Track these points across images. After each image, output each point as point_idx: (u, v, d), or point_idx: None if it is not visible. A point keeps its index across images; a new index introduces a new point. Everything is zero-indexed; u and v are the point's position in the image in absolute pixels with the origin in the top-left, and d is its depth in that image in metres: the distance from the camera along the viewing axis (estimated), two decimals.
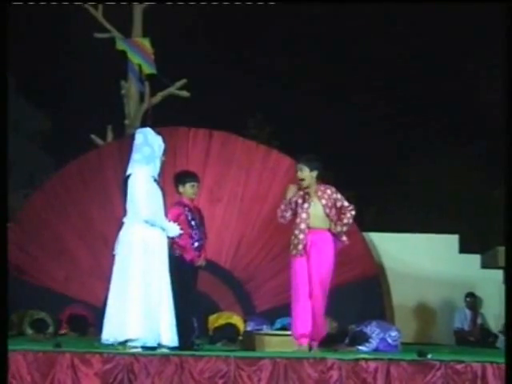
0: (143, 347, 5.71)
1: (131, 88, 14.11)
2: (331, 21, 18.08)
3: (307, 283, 6.60)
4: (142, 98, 14.20)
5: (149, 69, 12.01)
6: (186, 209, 6.75)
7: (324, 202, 6.58)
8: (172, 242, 6.43)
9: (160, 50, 12.39)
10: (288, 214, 6.66)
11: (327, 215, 6.57)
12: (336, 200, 6.62)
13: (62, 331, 9.00)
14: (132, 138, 6.18)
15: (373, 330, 7.28)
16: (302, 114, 19.28)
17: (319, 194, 6.62)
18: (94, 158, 10.31)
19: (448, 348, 8.20)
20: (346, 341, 7.30)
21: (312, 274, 6.58)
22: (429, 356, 5.75)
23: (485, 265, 10.60)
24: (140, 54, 12.06)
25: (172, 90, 14.18)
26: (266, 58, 19.10)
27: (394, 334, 7.56)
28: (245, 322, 8.68)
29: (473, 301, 10.23)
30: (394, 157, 18.37)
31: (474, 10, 15.86)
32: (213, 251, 9.11)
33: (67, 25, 16.79)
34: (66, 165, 10.43)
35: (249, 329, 8.33)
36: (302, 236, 6.57)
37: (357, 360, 5.54)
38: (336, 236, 6.64)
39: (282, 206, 6.68)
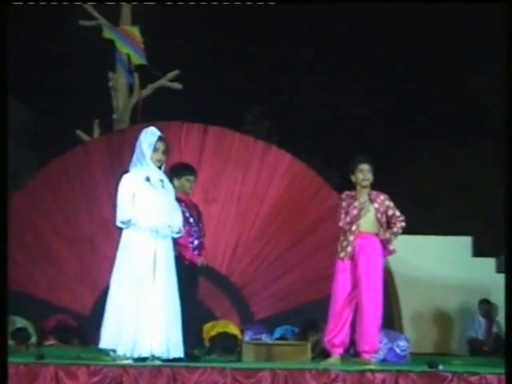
0: (134, 359, 5.71)
1: (119, 80, 14.08)
2: (333, 17, 18.23)
3: (350, 289, 6.75)
4: (131, 91, 14.17)
5: (138, 59, 12.00)
6: (183, 204, 6.72)
7: (376, 205, 6.79)
8: None
9: (150, 38, 12.37)
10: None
11: (378, 220, 6.76)
12: (388, 207, 6.83)
13: (48, 342, 8.98)
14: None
15: (380, 339, 7.26)
16: (303, 107, 19.27)
17: (372, 197, 6.82)
18: (80, 155, 10.29)
19: (461, 359, 8.20)
20: (351, 351, 7.29)
21: (360, 280, 6.70)
22: (440, 367, 5.75)
23: (500, 269, 10.59)
24: (129, 43, 12.05)
25: (163, 81, 14.16)
26: (266, 48, 19.10)
27: (402, 343, 7.57)
28: (242, 330, 8.67)
29: (487, 308, 10.22)
30: (402, 154, 18.38)
31: (474, 10, 16.32)
32: (208, 255, 9.09)
33: (51, 12, 16.75)
34: (50, 162, 10.41)
35: (247, 338, 8.31)
36: (352, 238, 6.73)
37: (363, 371, 5.53)
38: (383, 243, 6.80)
39: (346, 215, 6.76)
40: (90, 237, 9.69)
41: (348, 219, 6.74)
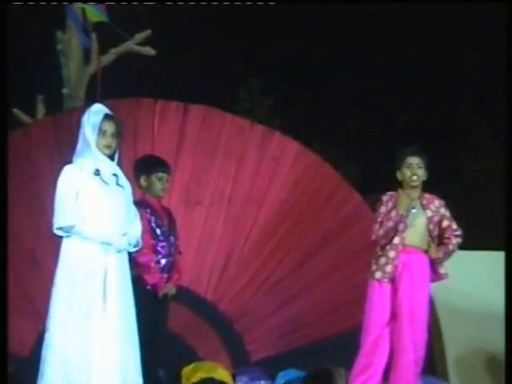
0: None
1: (72, 42, 14.10)
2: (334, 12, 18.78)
3: (387, 320, 6.77)
4: (87, 57, 14.17)
5: (97, 15, 11.94)
6: (149, 211, 6.78)
7: (429, 213, 6.80)
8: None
9: None
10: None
11: (429, 233, 6.76)
12: (443, 217, 6.85)
13: None
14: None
15: None
16: (312, 81, 19.36)
17: (424, 202, 6.82)
18: (19, 142, 10.20)
19: None
20: None
21: (401, 309, 6.71)
22: None
23: None
24: None
25: (131, 45, 14.17)
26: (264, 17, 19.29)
27: None
28: (234, 375, 8.74)
29: None
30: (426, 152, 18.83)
31: (474, 10, 18.28)
32: (189, 275, 9.07)
33: None
34: None
35: None
36: (393, 254, 6.71)
37: None
38: (432, 264, 6.83)
39: (380, 226, 6.76)
40: (32, 251, 9.61)
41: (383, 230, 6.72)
